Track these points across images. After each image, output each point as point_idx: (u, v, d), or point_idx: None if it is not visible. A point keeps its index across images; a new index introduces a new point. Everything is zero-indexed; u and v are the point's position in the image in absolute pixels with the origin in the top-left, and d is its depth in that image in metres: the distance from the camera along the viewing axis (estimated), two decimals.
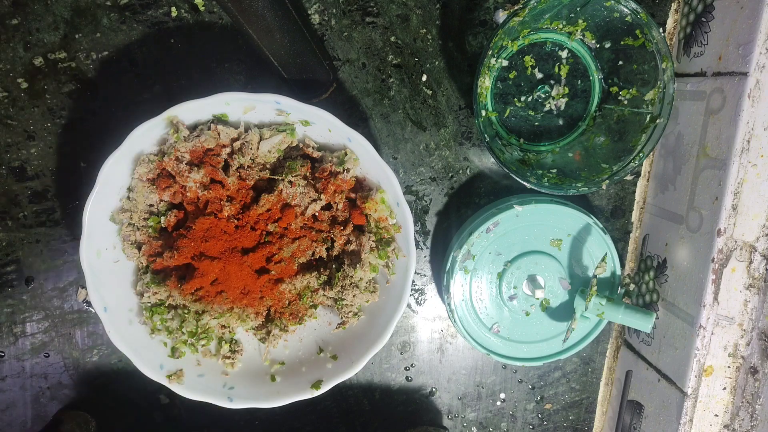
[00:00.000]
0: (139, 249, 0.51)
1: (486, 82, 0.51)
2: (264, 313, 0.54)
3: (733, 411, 0.50)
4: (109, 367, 0.57)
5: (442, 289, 0.57)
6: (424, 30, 0.54)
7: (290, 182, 0.50)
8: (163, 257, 0.50)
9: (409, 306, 0.59)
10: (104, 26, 0.52)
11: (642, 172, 0.59)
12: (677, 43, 0.56)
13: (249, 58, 0.53)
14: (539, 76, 0.55)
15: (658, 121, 0.49)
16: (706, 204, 0.49)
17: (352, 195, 0.52)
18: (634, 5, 0.47)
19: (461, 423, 0.62)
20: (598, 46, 0.54)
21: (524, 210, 0.53)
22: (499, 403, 0.62)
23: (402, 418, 0.61)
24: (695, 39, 0.53)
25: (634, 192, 0.59)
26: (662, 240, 0.56)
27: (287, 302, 0.53)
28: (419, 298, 0.60)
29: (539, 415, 0.63)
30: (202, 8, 0.52)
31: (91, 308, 0.56)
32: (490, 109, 0.54)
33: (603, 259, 0.54)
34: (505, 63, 0.54)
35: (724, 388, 0.50)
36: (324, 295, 0.54)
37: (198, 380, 0.52)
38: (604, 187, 0.50)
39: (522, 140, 0.56)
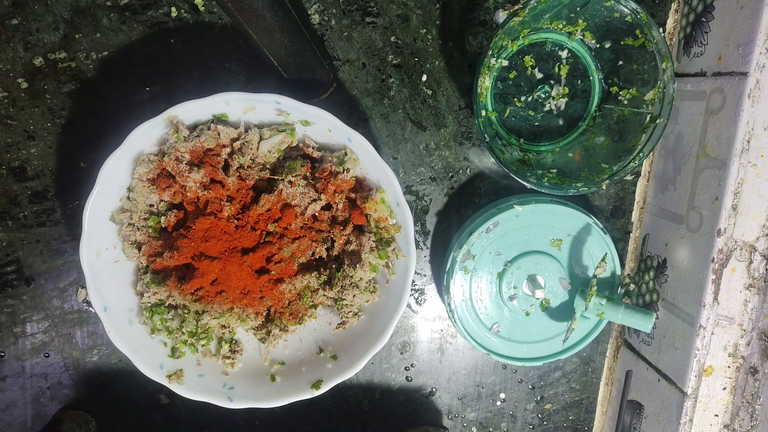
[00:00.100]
0: (139, 249, 0.51)
1: (486, 82, 0.51)
2: (264, 313, 0.54)
3: (733, 411, 0.50)
4: (109, 367, 0.57)
5: (442, 289, 0.57)
6: (424, 30, 0.54)
7: (290, 182, 0.50)
8: (163, 257, 0.50)
9: (409, 306, 0.59)
10: (104, 26, 0.52)
11: (642, 172, 0.59)
12: (677, 43, 0.56)
13: (249, 58, 0.53)
14: (539, 76, 0.55)
15: (658, 121, 0.49)
16: (706, 204, 0.49)
17: (352, 195, 0.52)
18: (634, 5, 0.47)
19: (461, 423, 0.62)
20: (598, 46, 0.54)
21: (524, 210, 0.53)
22: (499, 403, 0.62)
23: (402, 418, 0.61)
24: (695, 39, 0.53)
25: (634, 192, 0.59)
26: (662, 240, 0.56)
27: (287, 302, 0.53)
28: (419, 298, 0.60)
29: (539, 415, 0.63)
30: (202, 8, 0.52)
31: (91, 308, 0.56)
32: (490, 109, 0.54)
33: (603, 259, 0.54)
34: (505, 63, 0.54)
35: (724, 388, 0.50)
36: (324, 295, 0.54)
37: (198, 380, 0.52)
38: (604, 187, 0.50)
39: (522, 140, 0.56)
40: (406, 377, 0.61)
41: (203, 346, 0.54)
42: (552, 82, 0.55)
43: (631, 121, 0.52)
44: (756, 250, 0.48)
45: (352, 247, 0.53)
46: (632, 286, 0.60)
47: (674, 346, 0.52)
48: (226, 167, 0.50)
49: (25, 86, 0.52)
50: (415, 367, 0.61)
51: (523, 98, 0.55)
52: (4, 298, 0.55)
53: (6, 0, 0.51)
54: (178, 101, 0.46)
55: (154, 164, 0.49)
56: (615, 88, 0.54)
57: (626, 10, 0.48)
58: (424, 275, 0.59)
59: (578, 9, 0.50)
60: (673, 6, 0.56)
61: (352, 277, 0.52)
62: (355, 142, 0.48)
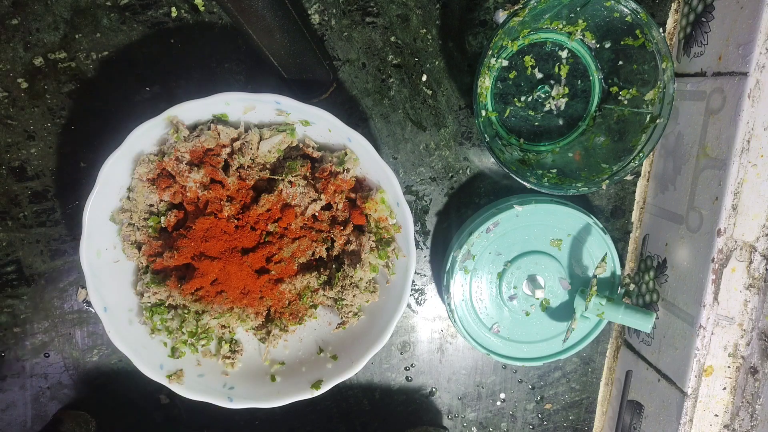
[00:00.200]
0: (139, 249, 0.51)
1: (486, 82, 0.51)
2: (264, 313, 0.54)
3: (733, 411, 0.50)
4: (109, 367, 0.57)
5: (442, 289, 0.57)
6: (424, 30, 0.54)
7: (290, 182, 0.50)
8: (163, 257, 0.50)
9: (409, 306, 0.59)
10: (104, 26, 0.52)
11: (642, 172, 0.59)
12: (677, 43, 0.56)
13: (249, 58, 0.53)
14: (539, 76, 0.55)
15: (658, 121, 0.49)
16: (706, 204, 0.49)
17: (352, 195, 0.52)
18: (634, 5, 0.47)
19: (461, 423, 0.62)
20: (598, 46, 0.54)
21: (524, 210, 0.53)
22: (499, 403, 0.62)
23: (402, 418, 0.61)
24: (695, 39, 0.53)
25: (634, 192, 0.59)
26: (662, 240, 0.56)
27: (287, 302, 0.53)
28: (419, 298, 0.60)
29: (539, 415, 0.63)
30: (202, 8, 0.52)
31: (91, 308, 0.56)
32: (490, 109, 0.54)
33: (603, 259, 0.54)
34: (505, 63, 0.54)
35: (724, 388, 0.50)
36: (324, 295, 0.54)
37: (198, 380, 0.52)
38: (604, 187, 0.50)
39: (522, 140, 0.56)
40: (406, 377, 0.61)
41: (203, 346, 0.54)
42: (552, 82, 0.55)
43: (631, 121, 0.52)
44: (756, 250, 0.48)
45: (352, 247, 0.53)
46: (632, 286, 0.60)
47: (674, 346, 0.52)
48: (226, 167, 0.50)
49: (25, 86, 0.52)
50: (415, 367, 0.61)
51: (523, 98, 0.55)
52: (4, 298, 0.55)
53: (6, 0, 0.51)
54: (178, 101, 0.46)
55: (154, 164, 0.49)
56: (615, 88, 0.54)
57: (626, 10, 0.48)
58: (424, 275, 0.59)
59: (578, 9, 0.50)
60: (673, 6, 0.56)
61: (352, 277, 0.52)
62: (355, 142, 0.48)
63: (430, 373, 0.61)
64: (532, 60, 0.54)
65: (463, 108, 0.56)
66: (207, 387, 0.52)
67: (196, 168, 0.49)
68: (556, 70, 0.55)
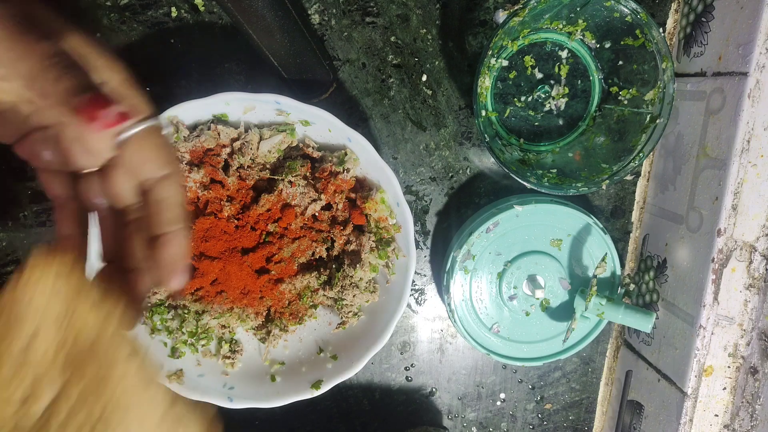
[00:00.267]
0: None
1: (486, 82, 0.51)
2: (264, 313, 0.54)
3: (733, 411, 0.50)
4: None
5: (442, 289, 0.57)
6: (424, 30, 0.54)
7: (290, 182, 0.50)
8: None
9: (409, 306, 0.59)
10: (104, 26, 0.52)
11: (642, 172, 0.59)
12: (677, 43, 0.56)
13: (249, 58, 0.53)
14: (539, 76, 0.55)
15: (658, 121, 0.49)
16: (706, 204, 0.49)
17: (352, 195, 0.52)
18: (634, 5, 0.47)
19: (461, 423, 0.62)
20: (598, 46, 0.54)
21: (524, 210, 0.53)
22: (499, 403, 0.62)
23: (402, 418, 0.61)
24: (695, 39, 0.53)
25: (634, 192, 0.59)
26: (662, 240, 0.56)
27: (287, 302, 0.53)
28: (419, 298, 0.60)
29: (539, 415, 0.63)
30: (202, 8, 0.52)
31: None
32: (490, 109, 0.54)
33: (603, 259, 0.54)
34: (505, 63, 0.54)
35: (724, 388, 0.50)
36: (324, 295, 0.54)
37: (198, 380, 0.52)
38: (604, 187, 0.50)
39: (522, 140, 0.56)
40: (406, 377, 0.61)
41: (203, 346, 0.54)
42: (552, 82, 0.55)
43: (631, 121, 0.52)
44: (756, 250, 0.48)
45: (352, 247, 0.53)
46: (632, 286, 0.60)
47: (674, 346, 0.52)
48: (226, 167, 0.50)
49: None
50: (415, 367, 0.61)
51: (523, 98, 0.55)
52: None
53: None
54: (178, 101, 0.46)
55: None
56: (615, 88, 0.54)
57: (626, 10, 0.48)
58: (424, 275, 0.59)
59: (578, 9, 0.50)
60: (673, 6, 0.56)
61: (352, 277, 0.52)
62: (355, 142, 0.48)
63: (430, 373, 0.61)
64: (532, 60, 0.54)
65: (463, 108, 0.56)
66: (207, 387, 0.52)
67: (196, 168, 0.49)
68: (556, 70, 0.55)
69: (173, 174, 0.32)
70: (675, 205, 0.54)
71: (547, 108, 0.56)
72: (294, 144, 0.51)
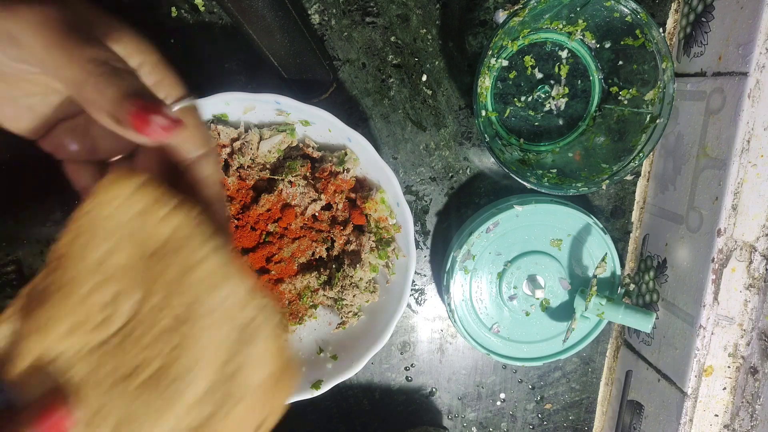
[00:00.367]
0: None
1: (486, 82, 0.51)
2: None
3: (733, 411, 0.50)
4: None
5: (442, 289, 0.57)
6: (424, 30, 0.54)
7: (290, 182, 0.50)
8: None
9: (409, 306, 0.59)
10: None
11: (642, 172, 0.59)
12: (677, 43, 0.56)
13: (249, 58, 0.53)
14: (539, 76, 0.55)
15: (658, 121, 0.49)
16: (706, 204, 0.49)
17: (352, 195, 0.52)
18: (634, 5, 0.47)
19: (461, 423, 0.62)
20: (598, 46, 0.54)
21: (524, 210, 0.53)
22: (499, 403, 0.62)
23: (402, 418, 0.61)
24: (695, 39, 0.53)
25: (634, 192, 0.59)
26: (662, 240, 0.56)
27: (287, 302, 0.53)
28: (419, 298, 0.60)
29: (539, 415, 0.63)
30: (202, 8, 0.52)
31: None
32: (490, 109, 0.54)
33: (603, 259, 0.54)
34: (505, 63, 0.54)
35: (724, 388, 0.50)
36: (324, 295, 0.54)
37: None
38: (604, 187, 0.50)
39: (522, 140, 0.56)
40: (406, 377, 0.61)
41: None
42: (552, 82, 0.55)
43: (631, 121, 0.52)
44: (756, 250, 0.48)
45: (352, 247, 0.53)
46: (632, 286, 0.60)
47: (674, 346, 0.52)
48: (226, 167, 0.50)
49: None
50: (415, 367, 0.61)
51: (523, 98, 0.55)
52: (3, 299, 0.55)
53: None
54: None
55: None
56: (615, 88, 0.54)
57: (626, 10, 0.48)
58: (424, 275, 0.59)
59: (578, 9, 0.50)
60: (673, 6, 0.56)
61: (352, 277, 0.52)
62: (355, 142, 0.48)
63: (430, 373, 0.61)
64: (532, 60, 0.54)
65: (463, 108, 0.56)
66: None
67: None
68: (556, 70, 0.55)
69: (211, 151, 0.32)
70: (675, 205, 0.54)
71: (547, 108, 0.56)
72: (294, 144, 0.51)
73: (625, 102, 0.53)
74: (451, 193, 0.58)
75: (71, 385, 0.26)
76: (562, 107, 0.56)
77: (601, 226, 0.54)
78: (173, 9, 0.52)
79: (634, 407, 0.58)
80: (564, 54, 0.55)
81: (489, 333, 0.56)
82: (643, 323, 0.51)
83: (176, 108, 0.30)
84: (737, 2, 0.47)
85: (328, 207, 0.53)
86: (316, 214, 0.52)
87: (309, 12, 0.53)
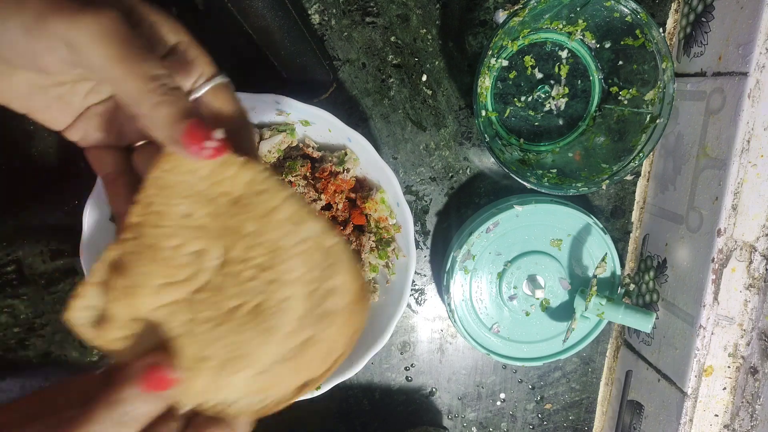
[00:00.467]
0: None
1: (486, 82, 0.51)
2: None
3: (733, 411, 0.50)
4: None
5: (442, 289, 0.57)
6: (424, 30, 0.54)
7: (290, 182, 0.50)
8: None
9: (409, 306, 0.59)
10: None
11: (642, 172, 0.59)
12: (677, 43, 0.56)
13: (249, 58, 0.53)
14: (539, 76, 0.55)
15: (658, 121, 0.49)
16: (706, 204, 0.49)
17: (352, 195, 0.52)
18: (634, 5, 0.47)
19: (461, 423, 0.62)
20: (598, 46, 0.54)
21: (524, 210, 0.53)
22: (499, 403, 0.62)
23: (402, 418, 0.61)
24: (695, 39, 0.53)
25: (634, 192, 0.59)
26: (662, 240, 0.56)
27: None
28: (419, 298, 0.60)
29: (539, 415, 0.63)
30: (202, 8, 0.52)
31: None
32: (490, 109, 0.54)
33: (603, 259, 0.54)
34: (505, 63, 0.54)
35: (724, 388, 0.50)
36: None
37: None
38: (604, 187, 0.50)
39: (522, 140, 0.56)
40: (406, 377, 0.61)
41: None
42: (552, 82, 0.55)
43: (631, 121, 0.52)
44: (756, 250, 0.48)
45: (352, 247, 0.53)
46: (632, 286, 0.60)
47: (674, 346, 0.52)
48: None
49: None
50: (415, 367, 0.61)
51: (523, 98, 0.55)
52: (4, 298, 0.55)
53: None
54: None
55: None
56: (615, 88, 0.54)
57: (626, 10, 0.48)
58: (424, 275, 0.59)
59: (578, 9, 0.50)
60: (673, 6, 0.56)
61: None
62: (355, 142, 0.48)
63: (430, 373, 0.61)
64: (532, 60, 0.54)
65: (463, 108, 0.56)
66: None
67: None
68: (556, 70, 0.55)
69: (247, 125, 0.33)
70: (675, 205, 0.54)
71: (547, 108, 0.56)
72: (294, 144, 0.51)
73: (625, 102, 0.53)
74: (451, 193, 0.58)
75: (170, 338, 0.28)
76: (562, 107, 0.56)
77: (601, 226, 0.54)
78: (173, 9, 0.52)
79: (634, 407, 0.58)
80: (564, 54, 0.55)
81: (489, 333, 0.56)
82: (643, 323, 0.51)
83: (211, 86, 0.31)
84: (737, 2, 0.47)
85: (328, 207, 0.53)
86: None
87: (309, 12, 0.53)
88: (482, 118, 0.50)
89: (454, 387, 0.61)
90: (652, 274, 0.57)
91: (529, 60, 0.54)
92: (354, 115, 0.55)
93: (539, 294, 0.55)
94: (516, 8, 0.46)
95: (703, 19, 0.52)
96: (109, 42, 0.26)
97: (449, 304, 0.55)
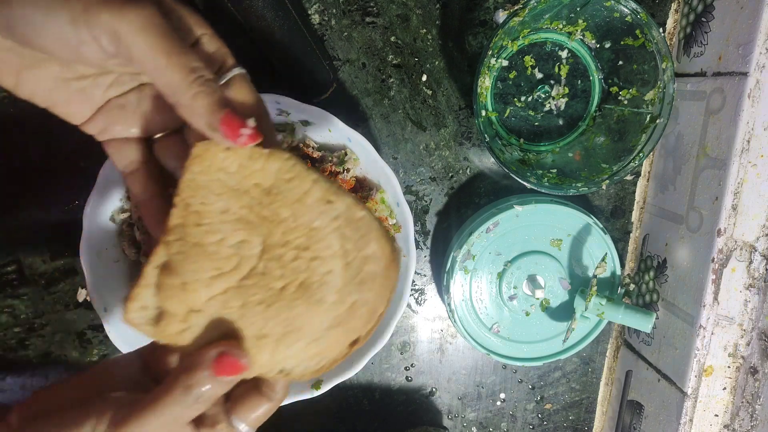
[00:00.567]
0: (139, 249, 0.51)
1: (486, 82, 0.51)
2: None
3: (733, 411, 0.50)
4: None
5: (442, 289, 0.57)
6: (424, 30, 0.54)
7: None
8: None
9: (409, 306, 0.59)
10: None
11: (642, 172, 0.59)
12: (677, 43, 0.56)
13: (249, 58, 0.53)
14: (539, 76, 0.55)
15: (658, 121, 0.49)
16: (706, 204, 0.49)
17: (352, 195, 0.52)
18: (634, 5, 0.47)
19: (461, 423, 0.62)
20: (598, 46, 0.54)
21: (524, 210, 0.53)
22: (499, 403, 0.62)
23: (402, 418, 0.61)
24: (695, 39, 0.53)
25: (634, 192, 0.59)
26: (662, 240, 0.56)
27: None
28: (419, 298, 0.60)
29: (539, 415, 0.63)
30: (201, 8, 0.52)
31: (91, 308, 0.56)
32: (490, 109, 0.54)
33: (603, 259, 0.54)
34: (505, 63, 0.54)
35: (724, 388, 0.50)
36: None
37: None
38: (604, 187, 0.50)
39: (522, 140, 0.56)
40: (406, 377, 0.61)
41: None
42: (552, 82, 0.55)
43: (631, 121, 0.52)
44: (756, 250, 0.48)
45: None
46: (632, 286, 0.60)
47: (674, 346, 0.52)
48: None
49: None
50: (415, 367, 0.61)
51: (523, 98, 0.55)
52: (4, 298, 0.55)
53: None
54: None
55: None
56: (615, 88, 0.54)
57: (626, 10, 0.48)
58: (424, 275, 0.59)
59: (578, 9, 0.50)
60: (673, 6, 0.56)
61: None
62: (355, 142, 0.48)
63: (430, 373, 0.61)
64: (532, 60, 0.54)
65: (463, 108, 0.56)
66: None
67: None
68: (556, 70, 0.55)
69: (266, 114, 0.34)
70: (675, 205, 0.54)
71: (547, 108, 0.56)
72: (294, 144, 0.51)
73: (625, 102, 0.53)
74: (451, 193, 0.58)
75: (228, 323, 0.31)
76: (562, 107, 0.56)
77: (601, 226, 0.54)
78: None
79: (634, 407, 0.58)
80: (564, 54, 0.55)
81: (489, 333, 0.56)
82: (643, 323, 0.51)
83: (230, 75, 0.33)
84: (737, 2, 0.47)
85: None
86: None
87: (309, 12, 0.53)
88: (482, 118, 0.50)
89: (454, 387, 0.61)
90: (652, 274, 0.57)
91: (529, 60, 0.54)
92: (354, 115, 0.55)
93: (539, 294, 0.55)
94: (516, 8, 0.46)
95: (703, 19, 0.52)
96: (153, 34, 0.28)
97: (449, 304, 0.55)
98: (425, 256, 0.59)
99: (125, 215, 0.50)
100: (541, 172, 0.53)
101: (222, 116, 0.29)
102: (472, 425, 0.62)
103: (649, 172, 0.59)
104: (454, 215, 0.58)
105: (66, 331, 0.56)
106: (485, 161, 0.57)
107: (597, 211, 0.59)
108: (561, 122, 0.56)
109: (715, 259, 0.48)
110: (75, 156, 0.54)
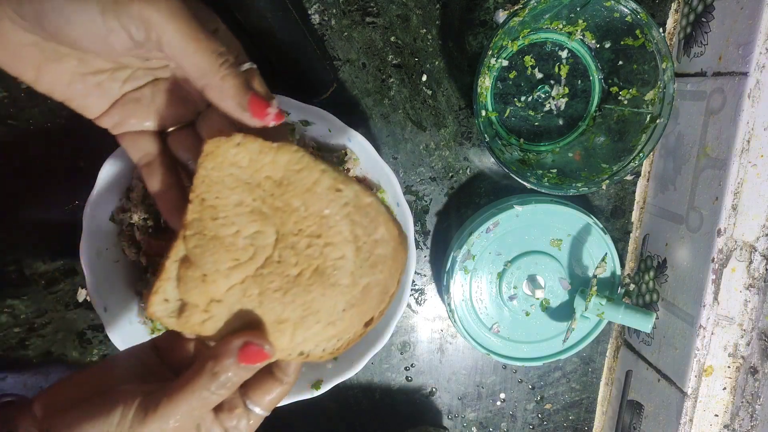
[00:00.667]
0: (139, 249, 0.51)
1: (486, 82, 0.51)
2: None
3: (733, 411, 0.50)
4: None
5: (442, 289, 0.57)
6: (424, 30, 0.54)
7: None
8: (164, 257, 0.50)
9: (409, 306, 0.59)
10: None
11: (642, 172, 0.59)
12: (677, 43, 0.56)
13: (249, 57, 0.53)
14: (539, 76, 0.55)
15: (658, 121, 0.49)
16: (706, 204, 0.49)
17: None
18: (634, 5, 0.47)
19: (461, 423, 0.62)
20: (598, 46, 0.54)
21: (524, 210, 0.53)
22: (499, 403, 0.62)
23: (402, 418, 0.61)
24: (695, 39, 0.53)
25: (634, 192, 0.59)
26: (662, 240, 0.56)
27: None
28: (419, 298, 0.60)
29: (539, 415, 0.63)
30: None
31: (91, 308, 0.56)
32: (490, 109, 0.54)
33: (603, 259, 0.54)
34: (505, 63, 0.54)
35: (724, 388, 0.50)
36: None
37: None
38: (604, 187, 0.50)
39: (522, 140, 0.56)
40: (406, 377, 0.61)
41: None
42: (552, 82, 0.55)
43: (631, 121, 0.52)
44: (756, 250, 0.48)
45: None
46: (632, 286, 0.60)
47: (674, 346, 0.52)
48: None
49: (25, 86, 0.52)
50: (415, 367, 0.61)
51: (523, 98, 0.55)
52: (4, 298, 0.55)
53: None
54: None
55: None
56: (615, 88, 0.54)
57: (626, 10, 0.48)
58: (424, 275, 0.59)
59: (578, 9, 0.50)
60: (673, 6, 0.56)
61: None
62: (355, 142, 0.48)
63: (430, 373, 0.61)
64: (532, 60, 0.54)
65: (463, 108, 0.56)
66: None
67: None
68: (556, 70, 0.55)
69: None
70: (675, 205, 0.54)
71: (547, 108, 0.56)
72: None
73: (625, 102, 0.53)
74: (451, 193, 0.58)
75: (248, 311, 0.32)
76: (562, 107, 0.56)
77: (601, 226, 0.54)
78: None
79: (634, 407, 0.58)
80: (564, 54, 0.55)
81: (489, 333, 0.56)
82: (643, 323, 0.51)
83: (246, 67, 0.34)
84: (737, 2, 0.47)
85: None
86: None
87: (309, 12, 0.53)
88: (482, 118, 0.50)
89: (454, 387, 0.61)
90: (652, 274, 0.57)
91: (529, 60, 0.54)
92: (354, 115, 0.55)
93: (539, 294, 0.55)
94: (516, 8, 0.46)
95: (703, 19, 0.52)
96: (182, 21, 0.29)
97: (449, 304, 0.55)
98: (425, 256, 0.59)
99: (125, 215, 0.50)
100: (541, 172, 0.53)
101: (249, 97, 0.31)
102: (472, 425, 0.62)
103: (649, 172, 0.59)
104: (454, 215, 0.58)
105: (66, 331, 0.56)
106: (485, 161, 0.57)
107: (597, 211, 0.59)
108: (561, 122, 0.56)
109: (715, 259, 0.48)
110: (75, 156, 0.54)
